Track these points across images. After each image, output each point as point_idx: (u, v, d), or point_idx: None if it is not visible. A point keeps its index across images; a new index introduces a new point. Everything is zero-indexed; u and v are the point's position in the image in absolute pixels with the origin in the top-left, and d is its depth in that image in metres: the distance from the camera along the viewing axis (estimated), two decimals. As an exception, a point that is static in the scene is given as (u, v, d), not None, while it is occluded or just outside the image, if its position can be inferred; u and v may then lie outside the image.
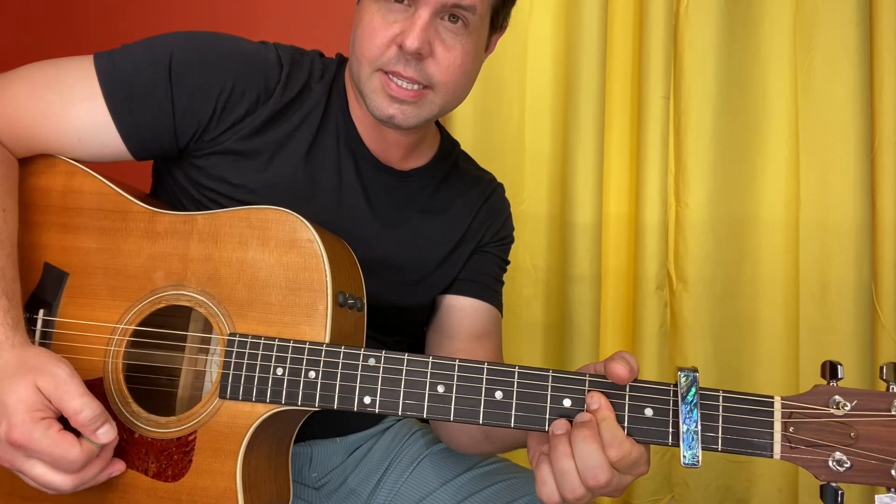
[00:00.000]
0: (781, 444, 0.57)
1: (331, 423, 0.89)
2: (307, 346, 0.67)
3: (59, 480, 0.64)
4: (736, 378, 1.51)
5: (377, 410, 0.65)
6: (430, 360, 0.64)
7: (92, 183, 0.78)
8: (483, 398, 0.63)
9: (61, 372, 0.64)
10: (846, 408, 0.57)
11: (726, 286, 1.49)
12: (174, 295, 0.72)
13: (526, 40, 1.53)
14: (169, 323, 0.75)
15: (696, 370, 0.59)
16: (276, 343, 0.68)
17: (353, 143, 0.87)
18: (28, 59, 0.80)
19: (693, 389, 0.58)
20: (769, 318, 1.45)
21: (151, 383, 0.74)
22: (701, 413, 0.58)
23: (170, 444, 0.70)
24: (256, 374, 0.68)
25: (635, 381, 0.60)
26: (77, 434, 0.64)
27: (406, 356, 0.65)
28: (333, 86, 0.87)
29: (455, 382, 0.63)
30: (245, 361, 0.68)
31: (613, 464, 0.58)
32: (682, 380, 0.59)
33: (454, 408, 0.63)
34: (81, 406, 0.63)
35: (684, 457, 0.57)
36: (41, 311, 0.75)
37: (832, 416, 0.57)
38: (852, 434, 0.57)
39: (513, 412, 0.62)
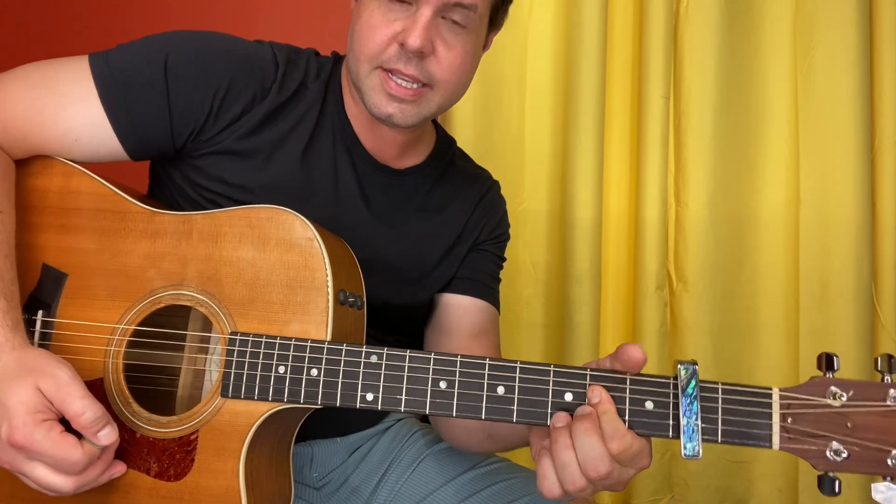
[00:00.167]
0: (780, 435, 0.59)
1: (331, 423, 0.90)
2: (309, 343, 0.68)
3: (61, 482, 0.64)
4: (736, 378, 1.52)
5: (379, 407, 0.66)
6: (432, 356, 0.66)
7: (90, 183, 0.78)
8: (485, 394, 0.64)
9: (62, 374, 0.65)
10: (843, 398, 0.59)
11: (726, 286, 1.50)
12: (174, 295, 0.73)
13: (526, 40, 1.55)
14: (169, 323, 0.76)
15: (695, 363, 0.60)
16: (278, 341, 0.69)
17: (350, 142, 0.88)
18: (28, 59, 0.81)
19: (693, 382, 0.60)
20: (769, 318, 1.46)
21: (152, 383, 0.75)
22: (701, 405, 0.60)
23: (171, 443, 0.70)
24: (258, 373, 0.69)
25: (635, 374, 0.61)
26: (79, 436, 0.65)
27: (408, 353, 0.66)
28: (329, 84, 0.88)
29: (457, 378, 0.65)
30: (247, 360, 0.69)
31: (615, 456, 0.59)
32: (682, 373, 0.60)
33: (456, 403, 0.64)
34: (83, 408, 0.63)
35: (685, 448, 0.59)
36: (40, 313, 0.76)
37: (829, 406, 0.59)
38: (849, 424, 0.59)
39: (515, 407, 0.63)
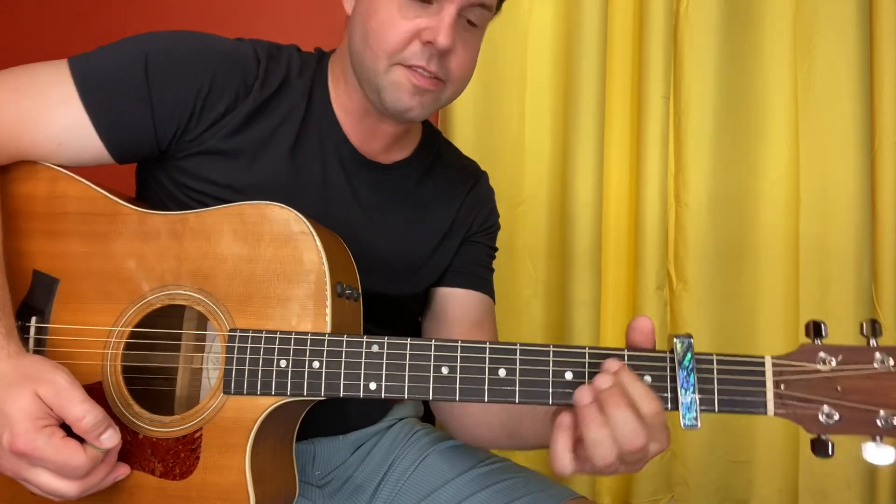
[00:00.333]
0: (774, 402, 0.62)
1: (333, 421, 0.91)
2: (309, 336, 0.69)
3: (65, 487, 0.65)
4: None
5: (383, 395, 0.67)
6: (433, 342, 0.67)
7: (76, 187, 0.78)
8: (487, 377, 0.66)
9: (61, 379, 0.65)
10: (832, 363, 0.62)
11: (726, 286, 1.52)
12: (169, 295, 0.74)
13: (526, 40, 1.55)
14: (166, 323, 0.76)
15: (690, 336, 0.63)
16: (278, 336, 0.70)
17: (337, 139, 0.89)
18: (28, 59, 0.81)
19: (689, 355, 0.62)
20: (769, 318, 1.49)
21: (152, 384, 0.76)
22: (697, 377, 0.62)
23: (175, 442, 0.71)
24: (260, 368, 0.70)
25: (631, 349, 0.64)
26: (80, 440, 0.65)
27: (409, 340, 0.68)
28: (315, 81, 0.89)
29: (459, 363, 0.66)
30: (247, 356, 0.70)
31: (647, 420, 0.59)
32: (678, 346, 0.62)
33: (459, 387, 0.66)
34: (83, 412, 0.64)
35: (683, 419, 0.61)
36: (34, 319, 0.76)
37: (819, 371, 0.62)
38: (839, 388, 0.62)
39: (517, 388, 0.65)
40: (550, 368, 0.65)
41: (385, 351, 0.68)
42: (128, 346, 0.75)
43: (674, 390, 0.63)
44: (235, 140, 0.84)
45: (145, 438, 0.72)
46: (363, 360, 0.68)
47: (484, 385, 0.66)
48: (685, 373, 0.62)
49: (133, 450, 0.72)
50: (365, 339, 0.69)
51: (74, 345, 0.75)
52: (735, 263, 1.53)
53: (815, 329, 0.64)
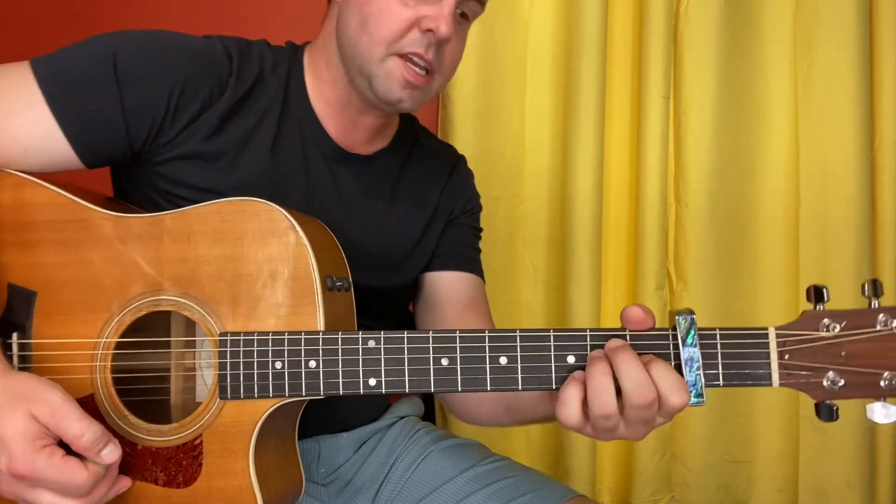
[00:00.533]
0: (779, 372, 0.62)
1: (334, 418, 0.91)
2: (303, 336, 0.68)
3: None
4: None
5: (384, 391, 0.66)
6: (431, 334, 0.66)
7: (43, 194, 0.75)
8: (488, 365, 0.65)
9: (54, 397, 0.63)
10: (835, 329, 0.62)
11: (726, 286, 1.53)
12: (153, 301, 0.72)
13: (526, 40, 1.54)
14: (154, 330, 0.75)
15: (692, 312, 0.62)
16: (271, 337, 0.68)
17: (317, 134, 0.87)
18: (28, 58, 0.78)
19: (692, 331, 0.62)
20: (769, 318, 1.46)
21: (145, 393, 0.75)
22: (701, 353, 0.62)
23: (176, 450, 0.70)
24: (255, 371, 0.68)
25: (635, 330, 0.63)
26: (80, 457, 0.64)
27: (406, 334, 0.66)
28: (290, 75, 0.87)
29: (458, 354, 0.65)
30: (241, 360, 0.69)
31: (656, 381, 0.59)
32: (682, 322, 0.62)
33: (461, 378, 0.65)
34: (81, 430, 0.62)
35: (690, 396, 0.61)
36: (14, 335, 0.73)
37: (823, 338, 0.62)
38: (843, 353, 0.62)
39: (519, 375, 0.65)
40: (552, 353, 0.64)
41: (382, 346, 0.67)
42: (116, 357, 0.72)
43: (678, 367, 0.62)
44: (214, 142, 0.82)
45: (145, 448, 0.71)
46: (360, 357, 0.67)
47: (486, 374, 0.65)
48: (689, 349, 0.62)
49: (133, 461, 0.71)
50: (361, 335, 0.67)
51: (61, 359, 0.73)
52: (735, 263, 1.53)
53: (816, 294, 0.63)
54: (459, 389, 0.65)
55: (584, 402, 0.61)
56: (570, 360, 0.64)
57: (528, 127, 1.56)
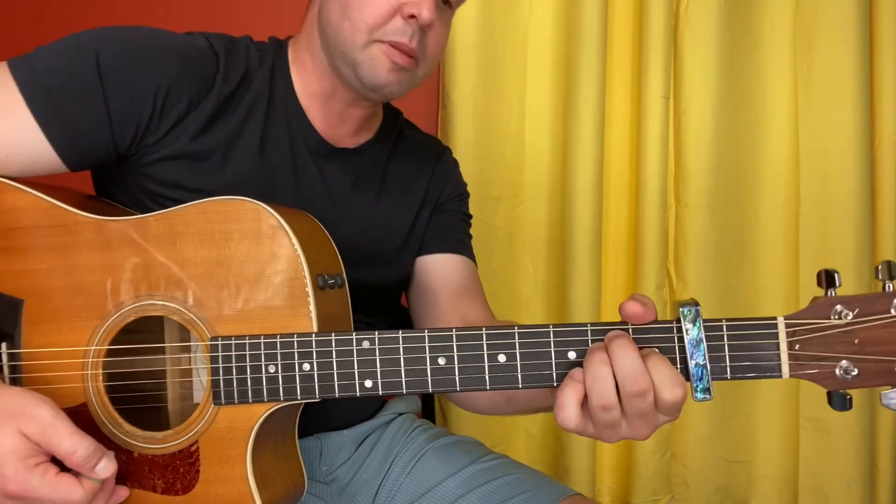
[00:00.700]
0: (789, 363, 0.59)
1: (334, 415, 0.89)
2: (296, 338, 0.66)
3: None
4: (737, 381, 1.56)
5: (381, 392, 0.65)
6: (426, 333, 0.64)
7: (25, 199, 0.73)
8: (487, 364, 0.63)
9: (44, 413, 0.61)
10: (848, 316, 0.59)
11: (727, 287, 1.53)
12: (142, 306, 0.70)
13: (526, 40, 1.53)
14: (144, 335, 0.73)
15: (697, 303, 0.60)
16: (262, 340, 0.67)
17: (303, 129, 0.85)
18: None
19: (697, 323, 0.59)
20: None
21: (140, 400, 0.73)
22: (707, 345, 0.60)
23: (173, 458, 0.69)
24: (248, 376, 0.67)
25: (637, 324, 0.61)
26: (75, 471, 0.63)
27: (401, 333, 0.64)
28: (275, 70, 0.85)
29: (455, 353, 0.63)
30: (233, 364, 0.67)
31: (652, 374, 0.57)
32: (686, 313, 0.59)
33: (459, 378, 0.63)
34: (74, 446, 0.60)
35: (695, 391, 0.59)
36: (3, 345, 0.72)
37: (835, 326, 0.59)
38: (856, 341, 0.59)
39: (519, 373, 0.62)
40: (552, 349, 0.62)
41: (377, 346, 0.65)
42: (107, 364, 0.71)
43: (683, 361, 0.60)
44: (202, 141, 0.79)
45: (141, 456, 0.70)
46: (355, 358, 0.65)
47: (484, 373, 0.63)
48: (694, 342, 0.59)
49: (130, 469, 0.70)
50: (355, 335, 0.65)
51: (52, 368, 0.71)
52: (735, 263, 1.53)
53: (827, 279, 0.60)
54: (458, 389, 0.63)
55: (583, 403, 0.59)
56: (571, 355, 0.62)
57: (528, 127, 1.55)
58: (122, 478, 0.69)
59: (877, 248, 1.48)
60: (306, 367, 0.66)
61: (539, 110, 1.55)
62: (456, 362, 0.63)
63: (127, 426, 0.70)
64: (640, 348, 0.59)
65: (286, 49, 0.88)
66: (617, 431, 0.59)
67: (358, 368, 0.65)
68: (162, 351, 0.75)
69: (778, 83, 1.53)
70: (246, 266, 0.68)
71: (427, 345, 0.64)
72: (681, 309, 0.59)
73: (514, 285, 1.55)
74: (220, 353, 0.67)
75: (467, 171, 1.47)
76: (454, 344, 0.63)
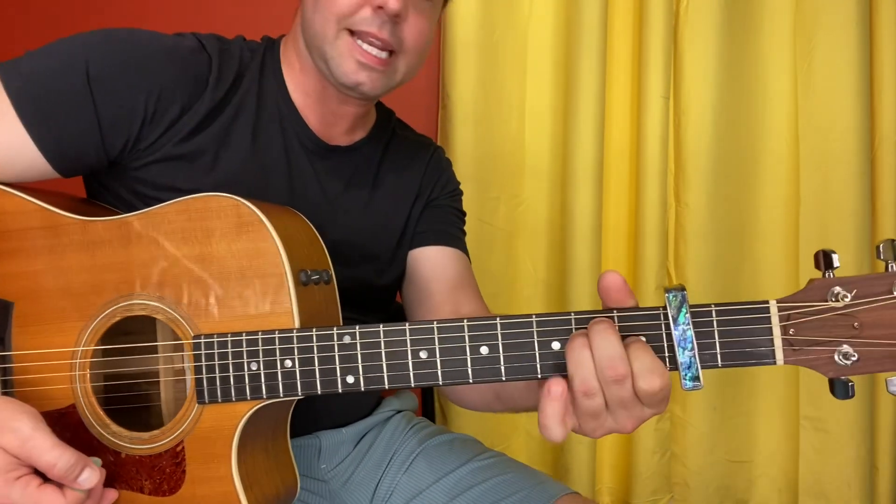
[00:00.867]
0: (783, 349, 0.56)
1: (332, 413, 0.89)
2: (277, 335, 0.65)
3: None
4: (736, 381, 1.55)
5: (363, 388, 0.63)
6: (407, 326, 0.62)
7: (11, 202, 0.73)
8: (469, 356, 0.61)
9: (23, 426, 0.59)
10: (846, 298, 0.55)
11: (726, 286, 1.52)
12: (126, 306, 0.70)
13: (526, 40, 1.53)
14: (130, 335, 0.73)
15: (683, 288, 0.57)
16: (244, 338, 0.66)
17: (297, 126, 0.84)
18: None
19: (684, 309, 0.57)
20: None
21: (127, 401, 0.73)
22: (695, 331, 0.57)
23: (159, 458, 0.69)
24: (231, 374, 0.66)
25: (622, 309, 0.59)
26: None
27: (381, 327, 0.63)
28: (264, 66, 0.84)
29: (437, 346, 0.61)
30: (216, 362, 0.66)
31: (632, 362, 0.54)
32: (672, 300, 0.57)
33: (441, 371, 0.61)
34: (54, 459, 0.59)
35: (684, 380, 0.56)
36: (-7, 349, 0.73)
37: (833, 309, 0.56)
38: (856, 324, 0.56)
39: (502, 365, 0.60)
40: (535, 340, 0.60)
41: (358, 341, 0.64)
42: (94, 365, 0.70)
43: (671, 349, 0.58)
44: (193, 141, 0.78)
45: (128, 457, 0.69)
46: (336, 354, 0.64)
47: (467, 366, 0.60)
48: (681, 329, 0.57)
49: (118, 470, 0.69)
50: (336, 331, 0.64)
51: (41, 370, 0.70)
52: (735, 263, 1.52)
53: (825, 260, 0.57)
54: (441, 383, 0.62)
55: (564, 419, 0.56)
56: (555, 346, 0.59)
57: (527, 127, 1.54)
58: (110, 479, 0.68)
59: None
60: (288, 363, 0.65)
61: (539, 110, 1.54)
62: (438, 355, 0.61)
63: (114, 427, 0.70)
64: (626, 336, 0.57)
65: (278, 48, 0.86)
66: (600, 422, 0.56)
67: (339, 364, 0.63)
68: (147, 350, 0.75)
69: (778, 83, 1.52)
70: (227, 262, 0.68)
71: (408, 338, 0.62)
72: (667, 295, 0.57)
73: (514, 285, 1.54)
74: (202, 352, 0.67)
75: (467, 171, 1.48)
76: (435, 337, 0.62)
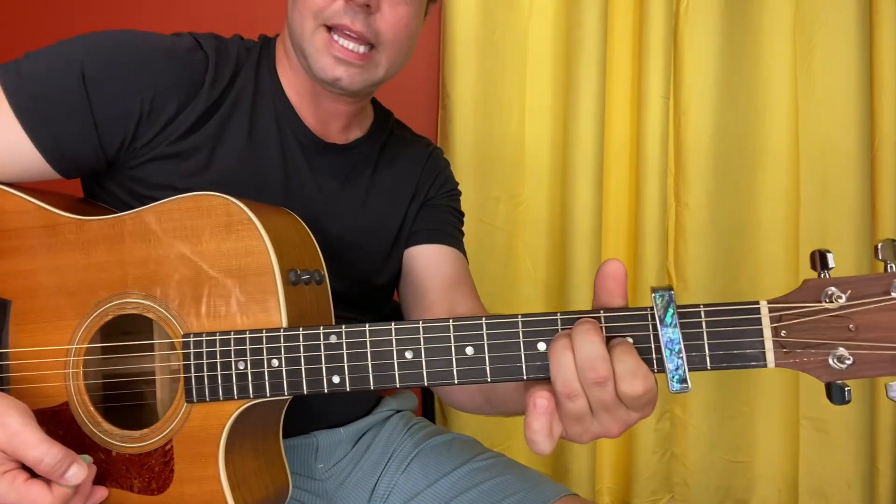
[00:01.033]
0: (774, 351, 0.54)
1: (328, 413, 0.88)
2: (264, 334, 0.65)
3: None
4: (736, 381, 1.54)
5: (348, 388, 0.63)
6: (393, 326, 0.62)
7: (10, 201, 0.74)
8: (454, 357, 0.60)
9: (12, 422, 0.60)
10: (840, 300, 0.54)
11: (726, 286, 1.51)
12: (119, 305, 0.71)
13: (526, 40, 1.52)
14: (123, 333, 0.74)
15: (671, 288, 0.56)
16: (232, 337, 0.66)
17: (293, 123, 0.84)
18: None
19: (671, 310, 0.55)
20: None
21: (118, 398, 0.74)
22: (683, 332, 0.55)
23: (148, 457, 0.69)
24: (219, 373, 0.65)
25: (608, 310, 0.58)
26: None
27: (367, 326, 0.62)
28: (260, 65, 0.84)
29: (422, 346, 0.60)
30: (204, 361, 0.66)
31: (614, 364, 0.53)
32: (658, 301, 0.56)
33: (426, 372, 0.60)
34: (41, 455, 0.59)
35: (672, 382, 0.55)
36: (-11, 346, 0.74)
37: (826, 310, 0.55)
38: (851, 326, 0.54)
39: (487, 366, 0.59)
40: (521, 340, 0.59)
41: (344, 340, 0.63)
42: (87, 363, 0.70)
43: (658, 350, 0.56)
44: (190, 140, 0.78)
45: (119, 455, 0.70)
46: (322, 353, 0.63)
47: (452, 366, 0.60)
48: (668, 330, 0.55)
49: (109, 468, 0.70)
50: (322, 330, 0.64)
51: (36, 367, 0.70)
52: (735, 263, 1.51)
53: (820, 260, 0.56)
54: (426, 383, 0.61)
55: (551, 432, 0.55)
56: (541, 347, 0.58)
57: (528, 127, 1.53)
58: (100, 477, 0.68)
59: (877, 248, 1.44)
60: (275, 363, 0.64)
61: (539, 110, 1.53)
62: (423, 356, 0.61)
63: (105, 425, 0.70)
64: (613, 337, 0.56)
65: (274, 46, 0.86)
66: (585, 427, 0.55)
67: (325, 364, 0.63)
68: (138, 349, 0.75)
69: (778, 83, 1.51)
70: (217, 261, 0.68)
71: (394, 338, 0.62)
72: (653, 295, 0.55)
73: (514, 285, 1.53)
74: (191, 350, 0.67)
75: (467, 171, 1.47)
76: (421, 337, 0.61)
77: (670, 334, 0.54)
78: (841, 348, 0.54)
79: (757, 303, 0.55)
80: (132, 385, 0.74)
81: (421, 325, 0.61)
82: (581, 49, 1.48)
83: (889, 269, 0.54)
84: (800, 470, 1.53)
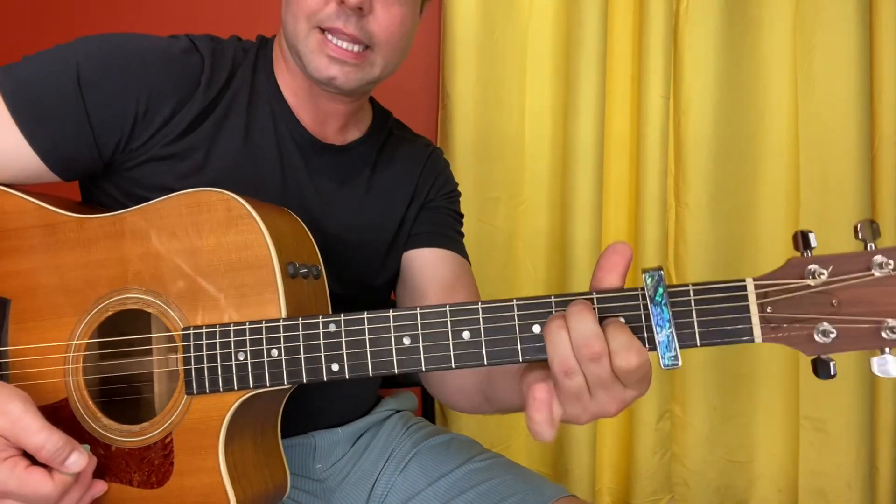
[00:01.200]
0: (761, 327, 0.56)
1: (326, 413, 0.89)
2: (264, 324, 0.67)
3: None
4: (736, 381, 1.55)
5: (347, 375, 0.64)
6: (391, 313, 0.64)
7: (10, 202, 0.75)
8: (451, 342, 0.61)
9: (14, 408, 0.61)
10: (822, 276, 0.56)
11: None
12: (119, 300, 0.72)
13: (526, 40, 1.53)
14: (122, 329, 0.75)
15: (660, 269, 0.58)
16: (232, 328, 0.67)
17: (290, 124, 0.85)
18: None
19: (661, 289, 0.58)
20: None
21: (117, 393, 0.75)
22: (673, 311, 0.57)
23: (148, 450, 0.70)
24: (219, 364, 0.67)
25: (601, 291, 0.60)
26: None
27: (366, 314, 0.64)
28: (257, 66, 0.85)
29: (420, 332, 0.62)
30: (205, 353, 0.67)
31: (609, 340, 0.55)
32: (648, 281, 0.58)
33: (424, 357, 0.62)
34: (42, 441, 0.60)
35: (663, 359, 0.57)
36: (-10, 344, 0.75)
37: (809, 287, 0.57)
38: (834, 301, 0.56)
39: (484, 349, 0.61)
40: (516, 323, 0.61)
41: (343, 329, 0.65)
42: (87, 359, 0.71)
43: (649, 329, 0.58)
44: (185, 140, 0.79)
45: (118, 450, 0.71)
46: (322, 342, 0.65)
47: (449, 351, 0.62)
48: (658, 309, 0.57)
49: (108, 463, 0.70)
50: (321, 319, 0.66)
51: (36, 364, 0.71)
52: (735, 264, 1.52)
53: (803, 240, 0.58)
54: (424, 368, 0.63)
55: (552, 418, 0.57)
56: (536, 329, 0.60)
57: (528, 127, 1.53)
58: (100, 472, 0.69)
59: (877, 247, 1.45)
60: (274, 353, 0.66)
61: (539, 110, 1.53)
62: (421, 341, 0.62)
63: (105, 420, 0.71)
64: (605, 318, 0.58)
65: (271, 47, 0.87)
66: (584, 406, 0.56)
67: (324, 352, 0.64)
68: (138, 343, 0.76)
69: (778, 82, 1.51)
70: (217, 255, 0.69)
71: (392, 325, 0.63)
72: (644, 275, 0.58)
73: (514, 286, 1.53)
74: (191, 343, 0.68)
75: (467, 171, 1.48)
76: (418, 322, 0.63)
77: (661, 313, 0.56)
78: (825, 323, 0.56)
79: (743, 280, 0.57)
80: (132, 380, 0.75)
81: (418, 311, 0.63)
82: (581, 49, 1.48)
83: (868, 248, 0.57)
84: (800, 470, 1.53)
